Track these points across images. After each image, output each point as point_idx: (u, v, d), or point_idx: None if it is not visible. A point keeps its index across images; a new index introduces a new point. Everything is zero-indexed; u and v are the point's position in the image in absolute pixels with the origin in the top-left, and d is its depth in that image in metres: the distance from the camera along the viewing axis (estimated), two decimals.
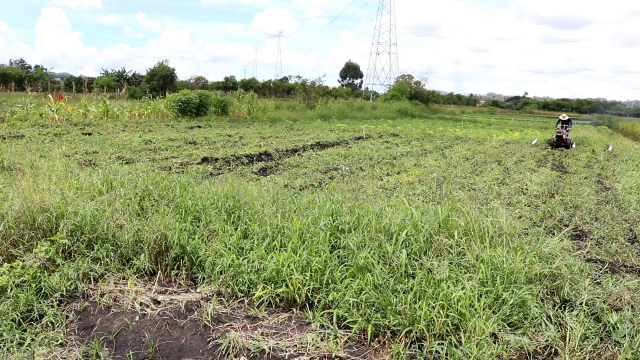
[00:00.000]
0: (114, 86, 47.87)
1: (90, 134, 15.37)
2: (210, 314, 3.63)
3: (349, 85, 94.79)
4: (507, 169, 12.36)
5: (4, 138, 13.05)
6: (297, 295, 3.81)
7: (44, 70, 62.06)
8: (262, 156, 12.55)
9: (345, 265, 4.07)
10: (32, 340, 3.17)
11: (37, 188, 4.91)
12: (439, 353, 3.16)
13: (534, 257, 4.15)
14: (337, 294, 3.70)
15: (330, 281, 3.90)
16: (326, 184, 8.64)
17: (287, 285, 3.86)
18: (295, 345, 3.32)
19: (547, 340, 3.36)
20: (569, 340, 3.29)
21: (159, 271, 4.29)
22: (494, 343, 3.23)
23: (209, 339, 3.39)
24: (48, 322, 3.41)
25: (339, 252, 4.25)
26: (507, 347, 3.21)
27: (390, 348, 3.25)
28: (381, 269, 3.90)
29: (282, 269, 3.93)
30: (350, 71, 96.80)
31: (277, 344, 3.33)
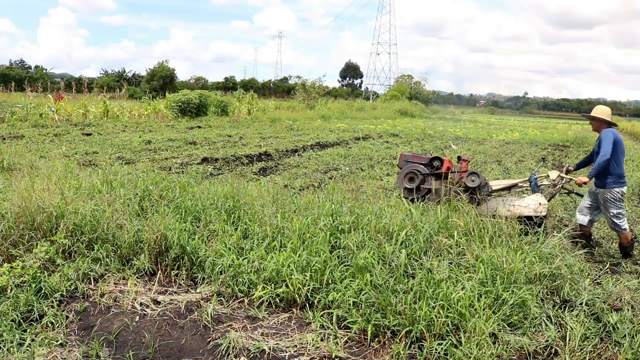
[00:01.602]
0: (113, 86, 47.88)
1: (90, 134, 15.38)
2: (210, 314, 3.63)
3: (349, 85, 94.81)
4: (507, 169, 12.36)
5: (4, 138, 13.06)
6: (297, 296, 3.81)
7: (44, 71, 62.06)
8: (262, 156, 12.55)
9: (345, 265, 4.07)
10: (32, 340, 3.17)
11: (37, 188, 4.91)
12: (439, 353, 3.16)
13: (534, 257, 4.15)
14: (337, 294, 3.70)
15: (330, 281, 3.90)
16: (326, 184, 8.64)
17: (287, 286, 3.86)
18: (295, 346, 3.32)
19: (547, 340, 3.36)
20: (569, 340, 3.29)
21: (159, 271, 4.29)
22: (494, 343, 3.23)
23: (209, 339, 3.39)
24: (48, 323, 3.41)
25: (338, 252, 4.25)
26: (507, 347, 3.21)
27: (390, 348, 3.25)
28: (381, 269, 3.90)
29: (282, 269, 3.93)
30: (350, 71, 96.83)
31: (277, 344, 3.33)
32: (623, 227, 5.45)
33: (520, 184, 6.34)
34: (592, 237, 6.05)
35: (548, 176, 6.07)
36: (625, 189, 5.52)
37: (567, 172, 6.07)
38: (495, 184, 6.44)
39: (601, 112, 5.70)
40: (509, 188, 6.43)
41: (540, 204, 5.58)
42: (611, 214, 5.49)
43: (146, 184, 5.82)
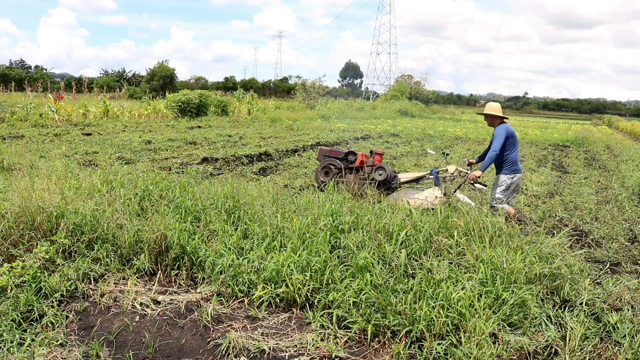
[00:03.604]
0: (113, 86, 47.86)
1: (90, 134, 15.37)
2: (210, 314, 3.63)
3: (349, 85, 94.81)
4: None
5: (4, 138, 13.05)
6: (297, 295, 3.81)
7: (44, 71, 62.02)
8: (262, 156, 12.55)
9: (345, 265, 4.07)
10: (32, 340, 3.17)
11: (37, 188, 4.91)
12: (439, 353, 3.16)
13: (534, 257, 4.15)
14: (337, 294, 3.70)
15: (330, 281, 3.90)
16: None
17: (287, 285, 3.86)
18: (295, 346, 3.32)
19: (547, 340, 3.36)
20: (569, 340, 3.29)
21: (159, 271, 4.29)
22: (494, 343, 3.23)
23: (209, 339, 3.39)
24: (48, 323, 3.41)
25: (338, 252, 4.25)
26: (507, 347, 3.21)
27: (391, 348, 3.25)
28: (381, 269, 3.90)
29: (282, 269, 3.93)
30: (350, 71, 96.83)
31: (277, 344, 3.33)
32: (496, 214, 5.69)
33: (427, 177, 6.72)
34: (523, 218, 6.05)
35: (447, 170, 6.46)
36: (518, 177, 6.04)
37: (470, 164, 6.49)
38: (403, 177, 6.86)
39: (492, 108, 6.21)
40: (416, 180, 6.87)
41: (436, 197, 5.97)
42: (494, 196, 6.03)
43: (146, 184, 5.81)
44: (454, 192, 6.38)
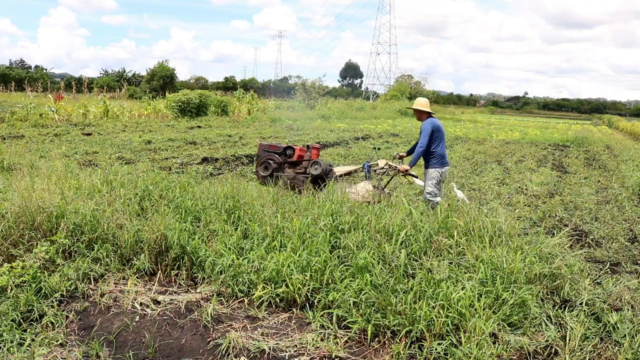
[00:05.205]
0: (114, 86, 47.83)
1: (90, 134, 15.37)
2: (210, 314, 3.63)
3: (349, 85, 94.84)
4: (507, 169, 12.36)
5: (4, 138, 13.05)
6: (297, 295, 3.81)
7: (44, 70, 62.02)
8: None
9: (345, 265, 4.06)
10: (32, 340, 3.17)
11: (37, 188, 4.91)
12: (439, 353, 3.16)
13: (534, 257, 4.15)
14: (337, 294, 3.70)
15: (330, 281, 3.90)
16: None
17: (287, 285, 3.86)
18: (295, 346, 3.32)
19: (547, 340, 3.36)
20: (569, 340, 3.29)
21: (159, 271, 4.29)
22: (494, 343, 3.23)
23: (209, 339, 3.39)
24: (48, 323, 3.41)
25: (338, 252, 4.25)
26: (507, 347, 3.21)
27: (391, 348, 3.25)
28: (381, 269, 3.90)
29: (282, 269, 3.93)
30: (350, 71, 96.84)
31: (277, 344, 3.33)
32: (431, 206, 5.93)
33: (361, 170, 6.96)
34: None
35: (377, 164, 6.71)
36: (446, 169, 6.33)
37: (401, 157, 6.79)
38: (338, 170, 7.11)
39: (420, 104, 6.47)
40: (349, 173, 7.10)
41: (367, 190, 6.20)
42: (426, 190, 6.27)
43: (146, 184, 5.81)
44: (386, 185, 6.69)
